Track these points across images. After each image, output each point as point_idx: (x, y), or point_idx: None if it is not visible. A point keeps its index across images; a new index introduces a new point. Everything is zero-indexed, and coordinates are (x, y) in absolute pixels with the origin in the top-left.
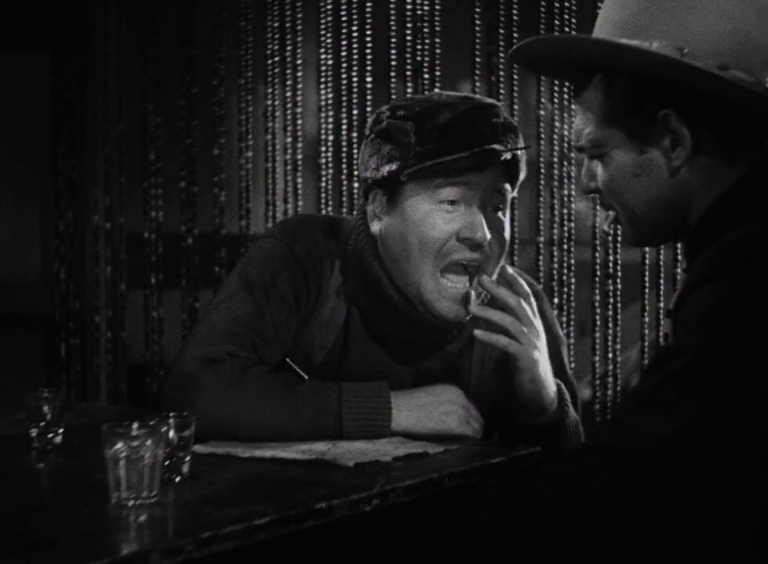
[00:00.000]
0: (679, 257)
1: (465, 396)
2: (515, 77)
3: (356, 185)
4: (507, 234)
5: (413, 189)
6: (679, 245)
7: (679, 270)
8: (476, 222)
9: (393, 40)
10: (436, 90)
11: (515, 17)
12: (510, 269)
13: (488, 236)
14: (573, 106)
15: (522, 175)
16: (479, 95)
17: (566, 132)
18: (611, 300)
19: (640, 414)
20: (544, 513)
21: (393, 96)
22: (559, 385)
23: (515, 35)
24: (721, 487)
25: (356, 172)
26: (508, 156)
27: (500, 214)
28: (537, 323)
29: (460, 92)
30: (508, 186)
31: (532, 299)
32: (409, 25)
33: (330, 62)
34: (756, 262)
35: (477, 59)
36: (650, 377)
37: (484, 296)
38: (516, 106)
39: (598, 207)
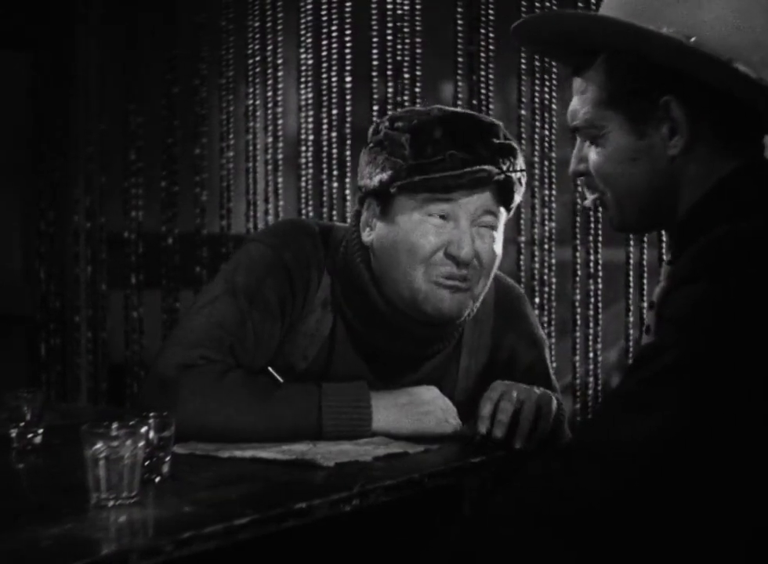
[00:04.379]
0: (664, 257)
1: (443, 397)
2: (493, 76)
3: (335, 185)
4: (498, 248)
5: (403, 201)
6: (663, 245)
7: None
8: (463, 240)
9: (374, 39)
10: (438, 105)
11: (496, 17)
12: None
13: (473, 254)
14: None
15: (518, 198)
16: (479, 114)
17: (546, 132)
18: (592, 299)
19: (622, 414)
20: (529, 515)
21: (375, 96)
22: (559, 404)
23: (495, 35)
24: (703, 487)
25: (335, 172)
26: (500, 178)
27: (492, 231)
28: (514, 391)
29: (460, 109)
30: (501, 208)
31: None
32: (390, 25)
33: (310, 61)
34: (741, 261)
35: (458, 59)
36: (632, 376)
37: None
38: (494, 106)
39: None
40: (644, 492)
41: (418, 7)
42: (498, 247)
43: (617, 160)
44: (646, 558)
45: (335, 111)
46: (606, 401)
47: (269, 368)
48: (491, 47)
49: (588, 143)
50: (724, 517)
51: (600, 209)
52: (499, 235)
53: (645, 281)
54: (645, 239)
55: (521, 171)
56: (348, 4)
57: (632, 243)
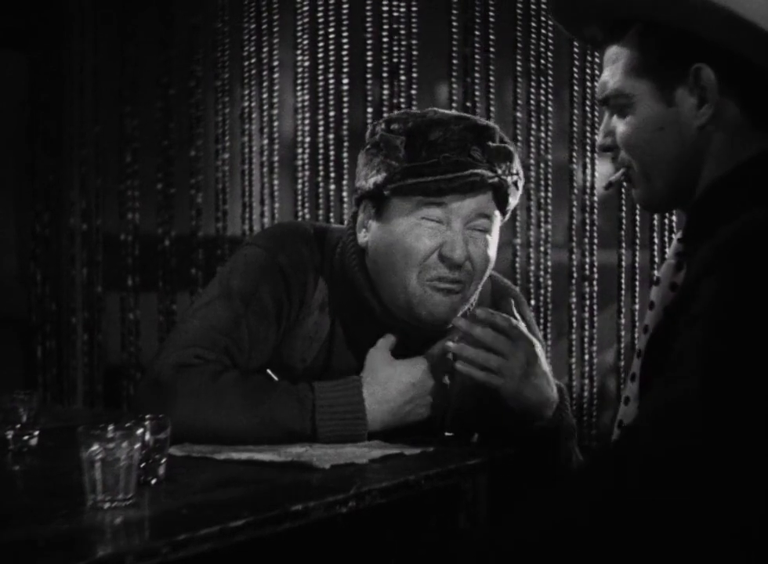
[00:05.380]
0: (656, 259)
1: (425, 375)
2: (491, 78)
3: (332, 187)
4: (491, 253)
5: (398, 203)
6: (654, 247)
7: (675, 241)
8: (456, 242)
9: (370, 41)
10: (434, 108)
11: (491, 19)
12: (480, 311)
13: (466, 255)
14: (601, 59)
15: (513, 201)
16: (476, 116)
17: (542, 135)
18: (587, 302)
19: (665, 421)
20: (560, 524)
21: (370, 98)
22: (560, 390)
23: (491, 37)
24: (745, 491)
25: (332, 174)
26: (495, 181)
27: (486, 235)
28: (523, 343)
29: (456, 112)
30: (496, 212)
31: (514, 322)
32: (385, 27)
33: (306, 63)
34: (763, 253)
35: (454, 61)
36: (664, 384)
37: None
38: (492, 108)
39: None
40: (680, 504)
41: (413, 9)
42: (492, 252)
43: (645, 129)
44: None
45: (331, 113)
46: (649, 411)
47: (268, 370)
48: (487, 49)
49: (617, 116)
50: (757, 533)
51: (596, 212)
52: (493, 239)
53: (637, 284)
54: (637, 241)
55: (516, 174)
56: (344, 6)
57: (623, 245)
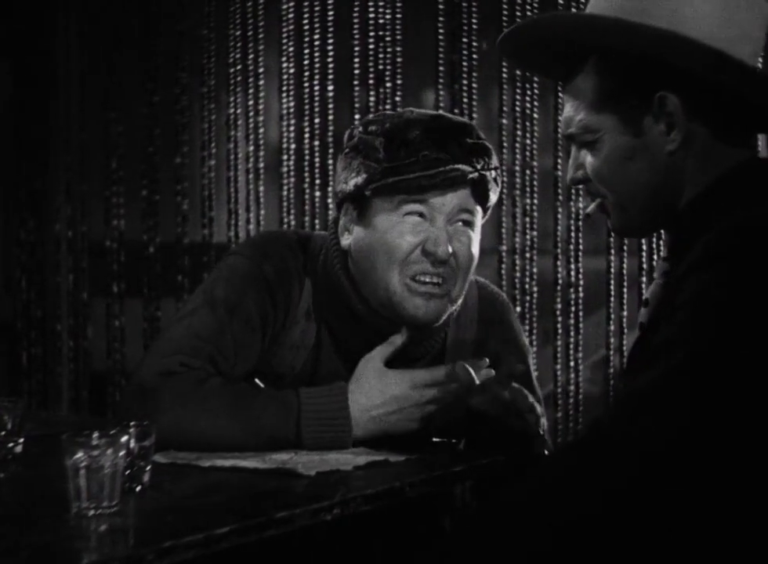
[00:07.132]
0: (644, 265)
1: (416, 387)
2: (475, 85)
3: (317, 193)
4: (475, 250)
5: (379, 203)
6: (643, 253)
7: (660, 261)
8: (440, 238)
9: (356, 48)
10: (410, 108)
11: (477, 26)
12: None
13: (450, 251)
14: (561, 96)
15: (493, 197)
16: (451, 115)
17: (528, 141)
18: (573, 308)
19: (634, 415)
20: (526, 519)
21: (356, 105)
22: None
23: (477, 44)
24: (709, 490)
25: (317, 181)
26: (475, 176)
27: (468, 229)
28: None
29: (432, 111)
30: (477, 207)
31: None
32: (371, 33)
33: (292, 70)
34: (752, 250)
35: (440, 68)
36: (646, 374)
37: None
38: (475, 115)
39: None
40: (649, 495)
41: (399, 16)
42: (475, 249)
43: (614, 160)
44: (645, 560)
45: (316, 120)
46: (619, 400)
47: (256, 379)
48: (473, 56)
49: (585, 149)
50: (729, 522)
51: (583, 219)
52: (476, 236)
53: (625, 290)
54: (625, 248)
55: (495, 169)
56: (330, 13)
57: (612, 252)
